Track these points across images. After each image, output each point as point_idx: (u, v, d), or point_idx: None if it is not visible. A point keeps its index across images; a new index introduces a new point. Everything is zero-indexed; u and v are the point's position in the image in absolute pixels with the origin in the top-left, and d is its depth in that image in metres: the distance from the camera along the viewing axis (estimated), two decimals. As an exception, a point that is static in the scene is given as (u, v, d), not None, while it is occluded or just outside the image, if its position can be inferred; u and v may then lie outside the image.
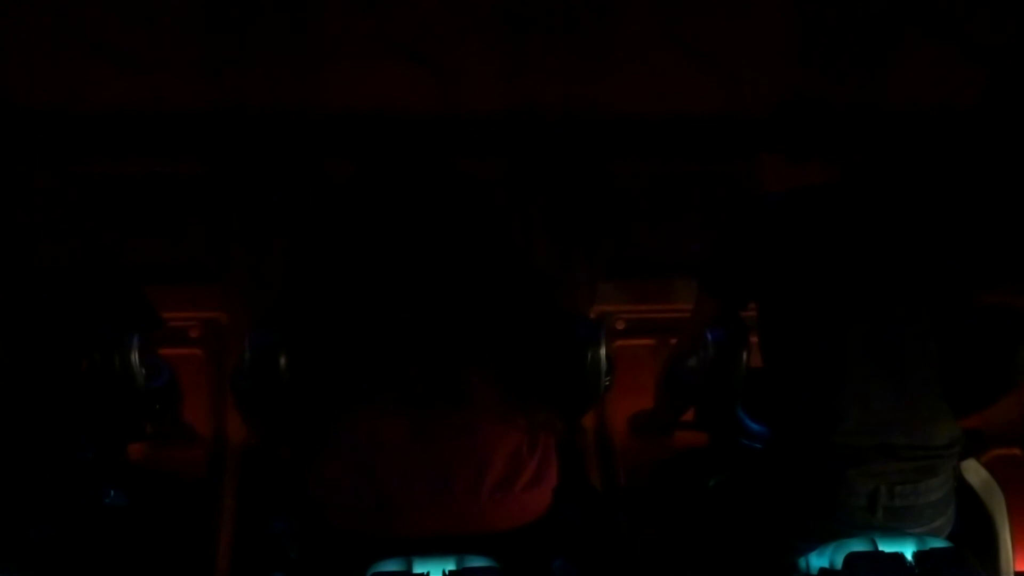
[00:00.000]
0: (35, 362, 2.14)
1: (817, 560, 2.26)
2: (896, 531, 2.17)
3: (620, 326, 3.33)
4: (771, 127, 2.51)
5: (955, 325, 2.28)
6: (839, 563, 2.18)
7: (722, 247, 2.40)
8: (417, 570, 2.04)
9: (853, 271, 2.27)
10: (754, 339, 2.38)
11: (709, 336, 2.35)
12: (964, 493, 2.44)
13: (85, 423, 2.25)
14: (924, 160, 3.36)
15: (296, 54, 3.22)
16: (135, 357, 2.17)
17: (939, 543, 2.15)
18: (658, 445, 2.91)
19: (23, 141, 2.33)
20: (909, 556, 2.10)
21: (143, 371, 2.23)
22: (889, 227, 2.32)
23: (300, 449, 2.21)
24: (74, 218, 2.52)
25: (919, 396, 2.24)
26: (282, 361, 2.07)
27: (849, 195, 2.35)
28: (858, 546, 2.20)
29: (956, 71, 3.42)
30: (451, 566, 2.01)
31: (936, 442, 2.22)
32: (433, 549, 2.05)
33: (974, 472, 2.51)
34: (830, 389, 2.22)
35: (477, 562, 2.06)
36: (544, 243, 3.31)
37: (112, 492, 2.41)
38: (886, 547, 2.18)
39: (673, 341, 2.71)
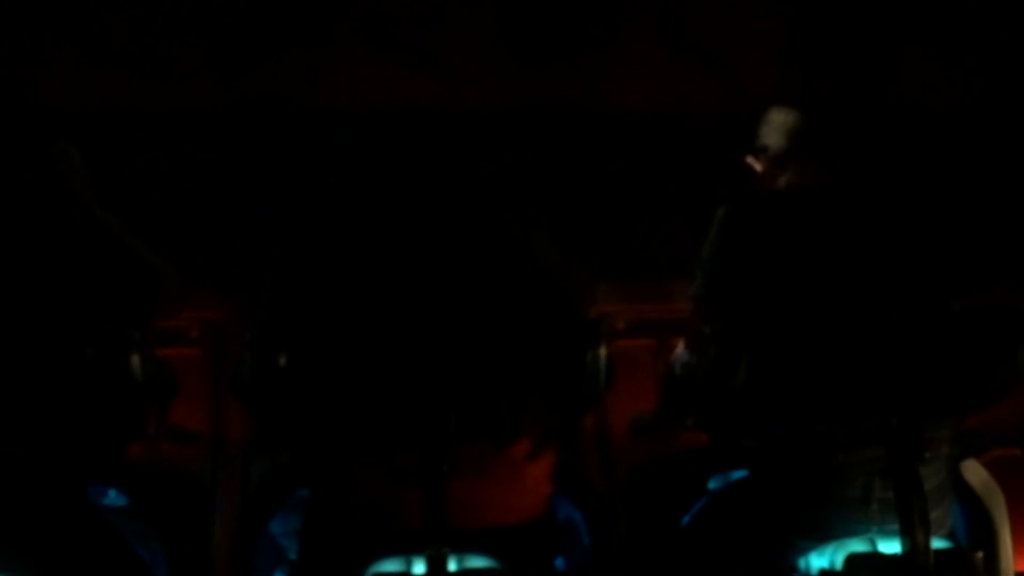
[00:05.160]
0: (34, 359, 2.13)
1: (817, 560, 2.27)
2: (895, 531, 2.18)
3: (620, 326, 3.32)
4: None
5: (953, 324, 2.29)
6: (839, 563, 2.18)
7: (712, 252, 2.42)
8: (417, 570, 2.04)
9: (846, 268, 2.28)
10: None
11: (709, 335, 2.35)
12: (964, 493, 2.44)
13: (84, 422, 2.25)
14: (923, 160, 3.36)
15: (296, 52, 3.23)
16: (135, 356, 2.17)
17: (939, 543, 2.16)
18: (658, 445, 2.91)
19: (36, 137, 2.34)
20: (909, 556, 2.10)
21: (142, 370, 2.23)
22: (884, 225, 2.33)
23: (302, 447, 2.21)
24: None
25: (909, 388, 2.24)
26: (282, 359, 2.07)
27: (844, 195, 2.37)
28: (858, 547, 2.20)
29: (956, 71, 3.42)
30: (451, 566, 2.01)
31: (927, 431, 2.23)
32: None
33: (974, 472, 2.51)
34: (822, 383, 2.23)
35: (477, 562, 2.06)
36: (544, 243, 3.31)
37: (112, 492, 2.41)
38: (886, 547, 2.19)
39: (673, 341, 2.71)
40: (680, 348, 2.60)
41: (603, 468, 3.19)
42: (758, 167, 2.52)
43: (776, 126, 2.51)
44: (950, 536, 2.33)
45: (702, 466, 2.57)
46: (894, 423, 2.15)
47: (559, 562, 2.28)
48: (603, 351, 2.15)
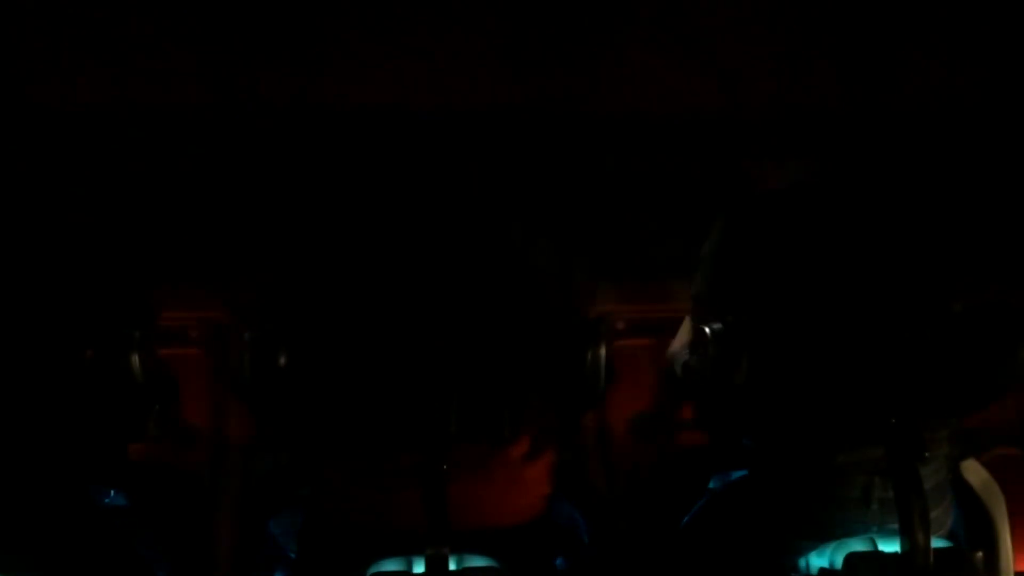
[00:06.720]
0: (34, 359, 2.13)
1: (817, 560, 2.27)
2: (895, 531, 2.18)
3: (620, 326, 3.32)
4: (770, 127, 2.52)
5: (954, 324, 2.29)
6: (839, 563, 2.18)
7: (713, 252, 2.42)
8: (417, 570, 2.04)
9: (847, 268, 2.28)
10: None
11: (709, 333, 2.36)
12: (964, 493, 2.44)
13: (84, 422, 2.25)
14: (924, 161, 3.36)
15: (293, 50, 3.23)
16: (135, 355, 2.17)
17: (939, 543, 2.16)
18: (658, 445, 2.91)
19: (30, 138, 2.34)
20: (909, 556, 2.10)
21: (143, 370, 2.23)
22: (885, 225, 2.33)
23: (302, 447, 2.21)
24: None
25: (909, 388, 2.25)
26: (282, 359, 2.07)
27: (844, 195, 2.37)
28: (858, 546, 2.20)
29: (958, 73, 3.42)
30: (451, 566, 2.01)
31: (927, 431, 2.23)
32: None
33: (974, 472, 2.51)
34: (822, 383, 2.23)
35: (477, 562, 2.06)
36: (544, 243, 3.31)
37: (112, 492, 2.41)
38: (886, 547, 2.19)
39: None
40: (674, 345, 2.59)
41: (603, 468, 3.19)
42: (758, 167, 2.53)
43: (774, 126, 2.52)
44: (950, 536, 2.33)
45: (702, 466, 2.57)
46: (894, 423, 2.15)
47: (559, 562, 2.28)
48: (603, 351, 2.15)
